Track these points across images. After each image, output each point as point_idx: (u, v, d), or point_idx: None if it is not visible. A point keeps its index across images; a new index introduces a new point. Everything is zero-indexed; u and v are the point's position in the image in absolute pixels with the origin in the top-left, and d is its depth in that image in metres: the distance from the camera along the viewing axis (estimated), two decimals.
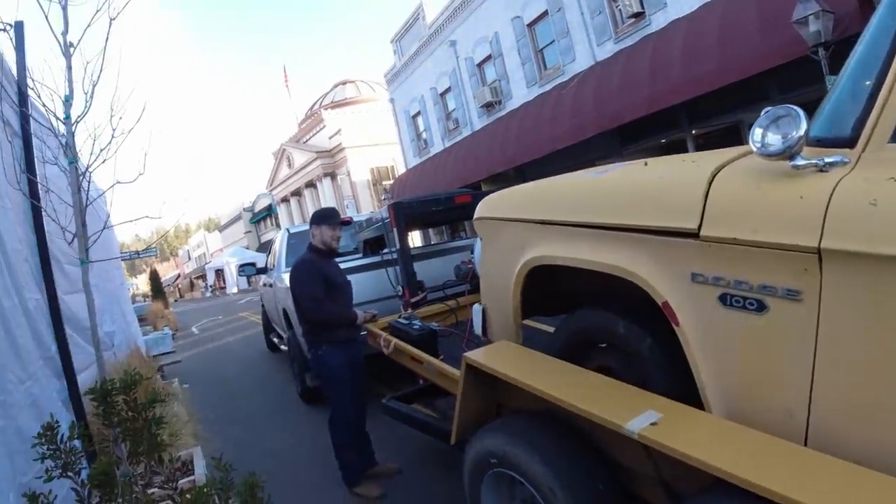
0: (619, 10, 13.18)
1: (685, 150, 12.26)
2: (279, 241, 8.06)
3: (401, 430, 4.33)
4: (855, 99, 1.64)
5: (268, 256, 9.74)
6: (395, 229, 5.06)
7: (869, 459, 1.49)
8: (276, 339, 9.59)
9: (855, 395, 1.53)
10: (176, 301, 49.41)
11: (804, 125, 1.56)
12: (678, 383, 2.03)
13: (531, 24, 16.09)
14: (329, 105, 39.62)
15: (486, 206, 3.06)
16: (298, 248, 5.93)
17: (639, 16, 12.64)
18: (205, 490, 2.38)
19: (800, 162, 1.60)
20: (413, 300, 4.99)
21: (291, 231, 7.96)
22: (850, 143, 1.60)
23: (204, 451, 4.34)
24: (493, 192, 3.34)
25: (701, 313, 1.86)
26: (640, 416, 1.80)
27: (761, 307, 1.69)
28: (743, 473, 1.45)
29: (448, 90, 20.75)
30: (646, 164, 2.34)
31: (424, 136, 23.26)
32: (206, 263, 57.59)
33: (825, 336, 1.56)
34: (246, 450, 5.34)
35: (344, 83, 42.75)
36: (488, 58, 18.12)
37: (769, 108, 1.68)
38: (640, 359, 2.19)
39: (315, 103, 42.92)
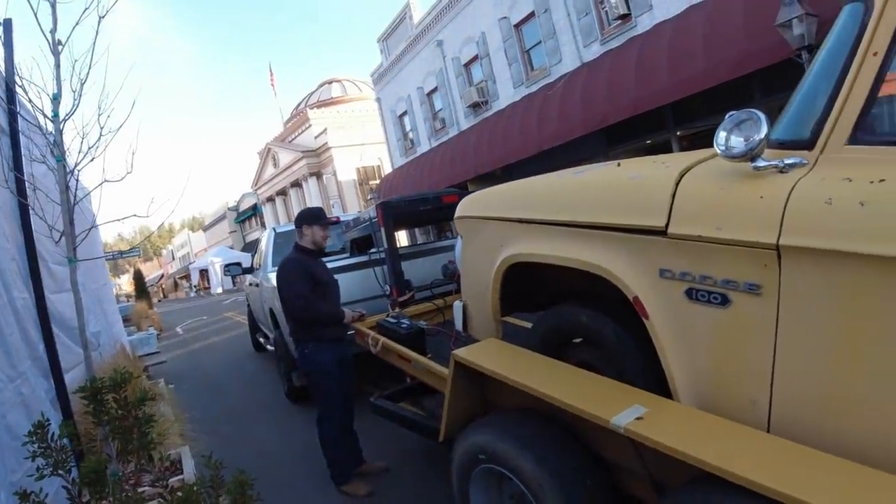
0: (606, 11, 13.27)
1: (670, 151, 12.39)
2: (265, 240, 8.08)
3: (389, 429, 4.38)
4: (814, 103, 1.73)
5: (253, 256, 9.74)
6: (382, 229, 5.11)
7: (825, 444, 1.57)
8: (262, 339, 9.60)
9: (812, 383, 1.62)
10: (160, 301, 48.95)
11: (765, 128, 1.65)
12: (651, 373, 2.11)
13: (518, 25, 16.17)
14: (315, 104, 39.54)
15: (467, 205, 3.14)
16: (285, 247, 5.98)
17: (625, 17, 12.75)
18: (194, 488, 2.43)
19: (761, 163, 1.69)
20: (401, 299, 5.05)
21: (278, 231, 7.98)
22: (809, 145, 1.69)
23: (192, 450, 4.37)
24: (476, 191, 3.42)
25: (669, 307, 1.95)
26: (626, 410, 1.87)
27: (725, 301, 1.78)
28: (728, 466, 1.52)
29: (435, 90, 20.80)
30: (619, 164, 2.43)
31: (411, 135, 23.29)
32: (190, 263, 57.17)
33: (784, 328, 1.65)
34: (234, 449, 5.37)
35: (330, 82, 42.68)
36: (475, 58, 18.18)
37: (733, 112, 1.77)
38: (611, 348, 2.28)
39: (301, 102, 42.83)
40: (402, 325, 4.12)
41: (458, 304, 3.27)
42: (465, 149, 17.02)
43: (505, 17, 16.37)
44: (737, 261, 1.72)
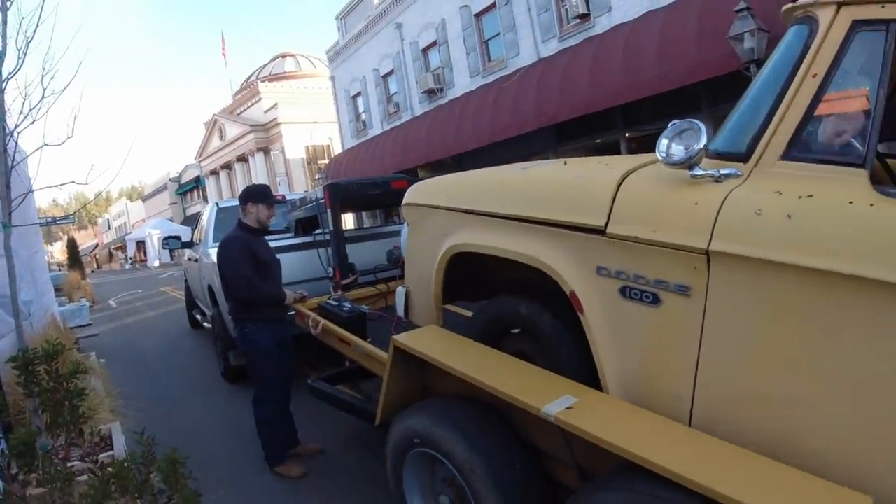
0: (566, 9, 13.40)
1: (619, 152, 12.67)
2: (207, 215, 7.88)
3: (326, 411, 4.38)
4: (753, 118, 1.84)
5: (194, 230, 9.50)
6: (329, 210, 5.08)
7: (741, 439, 1.69)
8: (199, 316, 9.38)
9: (732, 382, 1.73)
10: (93, 272, 47.00)
11: (704, 139, 1.75)
12: (585, 366, 2.20)
13: (479, 15, 16.17)
14: (267, 77, 38.66)
15: (415, 193, 3.18)
16: (227, 223, 5.86)
17: (584, 17, 12.89)
18: (125, 464, 2.39)
19: (698, 172, 1.79)
20: (344, 282, 5.03)
21: (221, 206, 7.78)
22: (744, 157, 1.80)
23: (123, 426, 4.26)
24: (425, 178, 3.45)
25: (603, 303, 2.04)
26: (557, 400, 1.95)
27: (656, 300, 1.88)
28: (648, 456, 1.62)
29: (391, 73, 20.61)
30: (565, 163, 2.51)
31: (364, 117, 23.04)
32: (127, 234, 55.03)
33: (709, 328, 1.76)
34: (166, 427, 5.26)
35: (284, 56, 41.80)
36: (433, 44, 18.10)
37: (675, 121, 1.86)
38: (547, 339, 2.36)
39: (252, 75, 41.80)
40: (344, 309, 4.11)
41: (400, 290, 3.30)
42: (418, 135, 16.98)
43: (466, 6, 16.35)
44: (669, 262, 1.82)
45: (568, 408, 1.89)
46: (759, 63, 8.04)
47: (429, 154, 16.27)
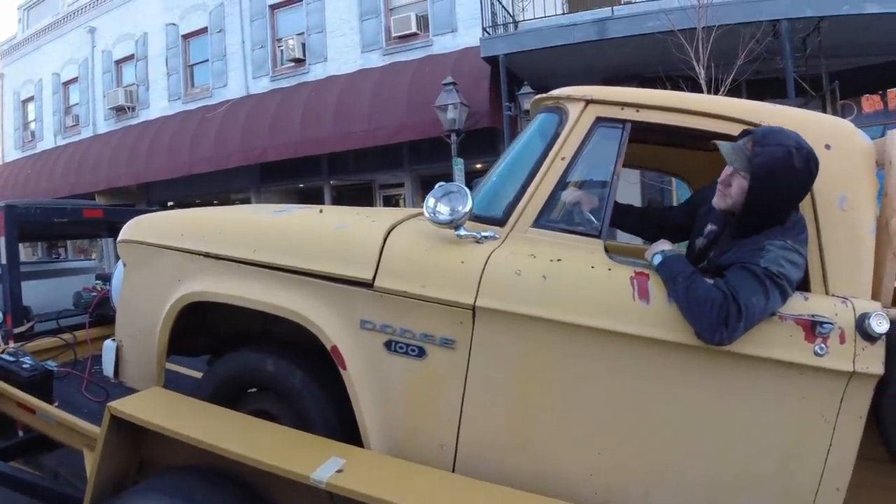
0: (281, 50, 13.37)
1: (322, 199, 12.91)
2: None
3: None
4: (507, 188, 2.08)
5: None
6: (2, 238, 4.09)
7: (505, 478, 1.84)
8: None
9: (493, 427, 1.89)
10: None
11: (470, 203, 1.88)
12: (339, 422, 2.12)
13: (187, 36, 15.20)
14: None
15: (138, 229, 2.67)
16: None
17: (299, 62, 13.02)
18: None
19: (462, 232, 1.93)
20: (17, 330, 4.05)
21: None
22: (500, 222, 2.00)
23: None
24: (142, 211, 3.02)
25: (367, 358, 2.01)
26: (325, 464, 1.81)
27: (421, 353, 1.94)
28: None
29: (74, 80, 17.96)
30: (321, 211, 2.42)
31: (33, 126, 19.62)
32: None
33: (472, 379, 1.89)
34: None
35: None
36: (130, 57, 16.36)
37: (442, 182, 2.00)
38: (297, 396, 2.19)
39: None
40: (25, 366, 3.30)
41: (109, 345, 2.71)
42: (101, 155, 15.11)
43: (174, 24, 15.27)
44: (436, 317, 1.91)
45: (339, 471, 1.78)
46: (458, 133, 9.18)
47: (111, 179, 14.58)
